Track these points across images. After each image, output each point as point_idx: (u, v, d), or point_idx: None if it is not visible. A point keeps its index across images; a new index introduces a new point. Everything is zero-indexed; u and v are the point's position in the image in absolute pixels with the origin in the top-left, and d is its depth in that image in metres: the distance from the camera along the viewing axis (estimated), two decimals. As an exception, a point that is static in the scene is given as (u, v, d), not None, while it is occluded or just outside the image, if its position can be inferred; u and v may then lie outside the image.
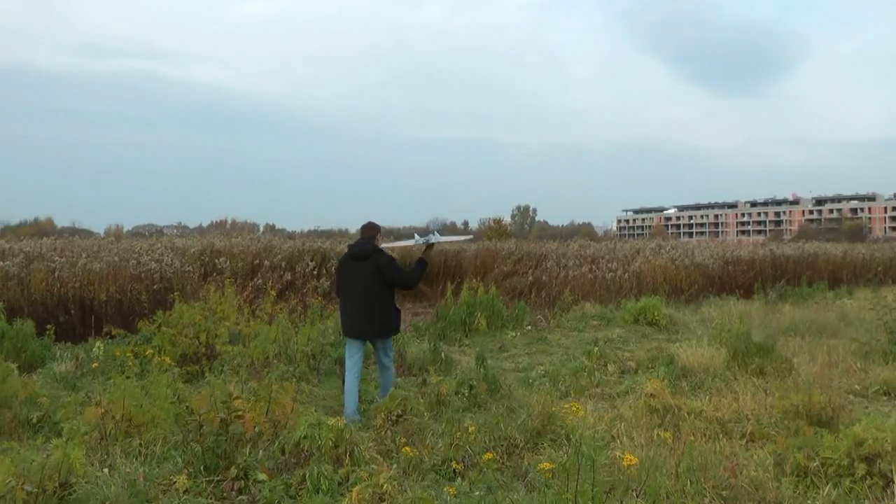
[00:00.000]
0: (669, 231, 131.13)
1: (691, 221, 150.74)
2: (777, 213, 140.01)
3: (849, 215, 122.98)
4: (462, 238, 12.54)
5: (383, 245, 7.37)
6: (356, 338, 6.96)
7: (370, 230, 7.11)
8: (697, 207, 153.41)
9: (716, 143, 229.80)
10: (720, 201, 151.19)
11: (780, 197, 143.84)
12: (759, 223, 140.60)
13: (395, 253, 10.06)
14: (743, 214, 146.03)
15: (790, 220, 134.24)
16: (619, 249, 20.79)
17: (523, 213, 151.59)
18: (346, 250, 7.33)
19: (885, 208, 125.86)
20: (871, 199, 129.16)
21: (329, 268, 14.95)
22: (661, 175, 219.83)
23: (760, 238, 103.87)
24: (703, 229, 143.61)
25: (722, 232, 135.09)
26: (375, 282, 6.82)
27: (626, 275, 17.51)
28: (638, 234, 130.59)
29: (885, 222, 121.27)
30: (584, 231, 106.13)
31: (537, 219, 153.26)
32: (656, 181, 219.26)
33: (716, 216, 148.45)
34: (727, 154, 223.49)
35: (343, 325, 7.06)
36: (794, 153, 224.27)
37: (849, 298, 17.36)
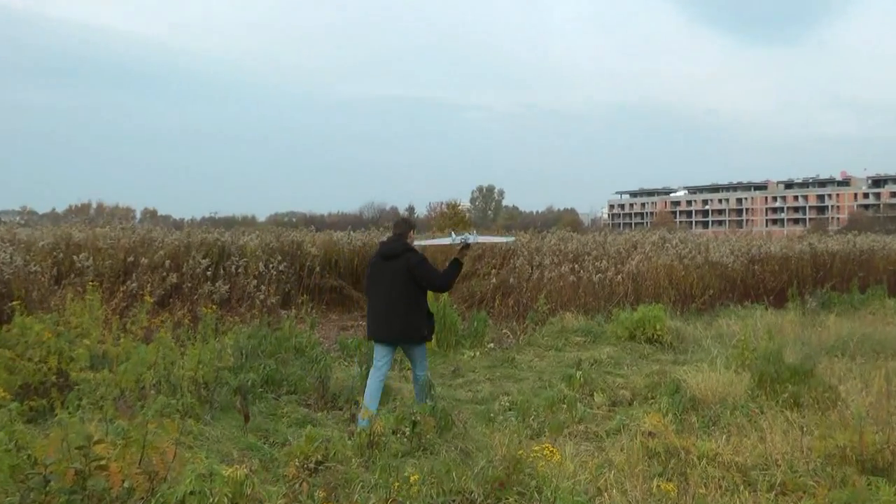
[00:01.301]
0: (678, 219, 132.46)
1: (706, 207, 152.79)
2: (820, 197, 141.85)
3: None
4: (503, 240, 13.75)
5: (416, 243, 8.86)
6: (382, 342, 8.27)
7: (402, 227, 8.62)
8: (715, 189, 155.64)
9: (741, 107, 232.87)
10: (745, 181, 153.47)
11: (824, 176, 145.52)
12: (795, 209, 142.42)
13: (427, 252, 11.81)
14: (775, 198, 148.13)
15: (838, 206, 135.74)
16: (611, 243, 20.79)
17: (486, 196, 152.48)
18: (377, 248, 8.76)
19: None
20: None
21: (228, 267, 14.99)
22: (669, 147, 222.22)
23: (798, 229, 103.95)
24: (721, 217, 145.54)
25: (747, 221, 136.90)
26: (405, 282, 8.15)
27: (620, 277, 17.53)
28: (636, 224, 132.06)
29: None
30: (565, 219, 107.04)
31: (505, 203, 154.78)
32: (662, 155, 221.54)
33: (739, 200, 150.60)
34: (756, 121, 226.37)
35: (368, 327, 8.43)
36: (844, 120, 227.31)
37: (918, 308, 17.77)
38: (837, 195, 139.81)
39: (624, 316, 14.21)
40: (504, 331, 14.25)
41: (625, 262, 18.41)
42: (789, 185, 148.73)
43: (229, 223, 32.37)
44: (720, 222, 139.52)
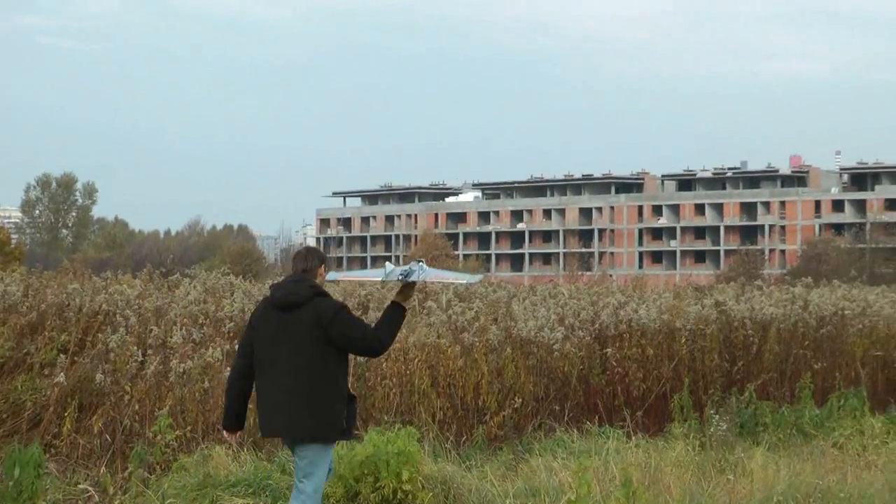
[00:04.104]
0: (459, 250, 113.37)
1: (519, 227, 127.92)
2: (748, 208, 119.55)
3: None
4: (463, 279, 13.84)
5: (333, 276, 9.69)
6: (288, 440, 8.21)
7: (309, 260, 8.31)
8: (534, 187, 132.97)
9: (596, 22, 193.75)
10: (599, 174, 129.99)
11: (756, 165, 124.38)
12: (697, 232, 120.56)
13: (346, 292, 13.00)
14: (657, 210, 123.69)
15: (782, 227, 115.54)
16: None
17: (57, 198, 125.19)
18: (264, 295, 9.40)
19: None
20: None
21: None
22: (451, 105, 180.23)
23: (702, 272, 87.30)
24: (548, 247, 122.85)
25: (602, 255, 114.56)
26: (315, 345, 7.91)
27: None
28: (374, 259, 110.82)
29: None
30: (228, 248, 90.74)
31: (97, 213, 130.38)
32: (435, 122, 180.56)
33: (586, 213, 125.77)
34: (623, 51, 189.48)
35: (261, 420, 8.30)
36: (797, 51, 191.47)
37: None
38: (782, 204, 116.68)
39: (338, 453, 12.38)
40: (82, 485, 12.31)
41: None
42: (686, 182, 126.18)
43: None
44: (546, 256, 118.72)
